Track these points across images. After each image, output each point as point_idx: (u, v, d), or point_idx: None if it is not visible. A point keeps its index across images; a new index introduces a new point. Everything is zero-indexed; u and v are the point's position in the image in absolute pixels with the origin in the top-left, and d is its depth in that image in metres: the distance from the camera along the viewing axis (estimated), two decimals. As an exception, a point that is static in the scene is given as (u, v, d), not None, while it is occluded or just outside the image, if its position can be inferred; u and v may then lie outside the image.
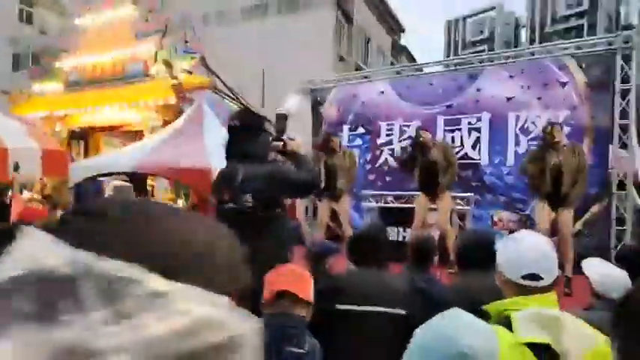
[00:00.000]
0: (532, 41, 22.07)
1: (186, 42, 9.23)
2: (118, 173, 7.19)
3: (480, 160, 6.13)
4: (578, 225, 5.54)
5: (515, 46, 20.65)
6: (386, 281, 2.26)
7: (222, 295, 0.38)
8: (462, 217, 5.25)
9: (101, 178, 7.98)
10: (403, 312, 2.21)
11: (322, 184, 5.16)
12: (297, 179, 2.23)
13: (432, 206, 4.89)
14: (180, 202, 8.10)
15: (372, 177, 6.89)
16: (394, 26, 20.08)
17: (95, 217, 0.38)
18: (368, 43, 17.48)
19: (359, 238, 2.39)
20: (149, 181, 9.12)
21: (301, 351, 1.57)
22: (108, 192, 7.16)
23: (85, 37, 10.75)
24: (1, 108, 9.97)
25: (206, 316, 0.36)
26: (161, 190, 8.44)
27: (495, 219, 4.73)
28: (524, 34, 24.05)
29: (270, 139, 2.52)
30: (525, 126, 5.84)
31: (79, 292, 0.34)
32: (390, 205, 5.81)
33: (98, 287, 0.34)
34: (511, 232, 2.99)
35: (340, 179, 5.09)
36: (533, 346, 1.07)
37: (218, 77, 9.64)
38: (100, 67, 10.53)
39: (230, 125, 2.26)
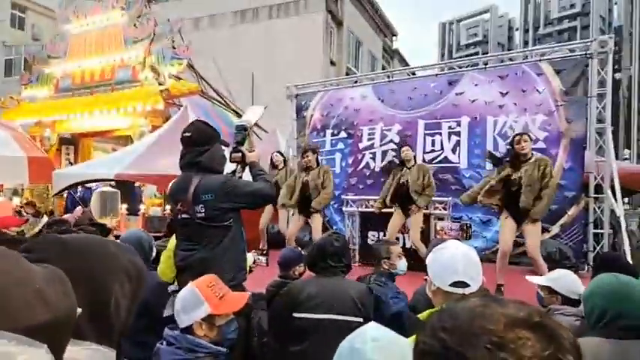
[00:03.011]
0: (525, 43, 22.25)
1: (174, 47, 9.29)
2: (104, 180, 7.24)
3: (459, 163, 6.19)
4: (555, 228, 5.62)
5: (509, 49, 20.79)
6: (342, 289, 2.31)
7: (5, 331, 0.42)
8: (440, 220, 5.31)
9: (91, 184, 8.04)
10: (360, 319, 2.27)
11: (292, 198, 5.24)
12: (249, 191, 2.28)
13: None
14: (169, 208, 8.15)
15: (353, 181, 6.95)
16: (385, 30, 20.21)
17: None
18: (359, 47, 17.59)
19: (316, 248, 2.44)
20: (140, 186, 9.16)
21: None
22: (93, 199, 7.22)
23: (75, 43, 10.82)
24: (-8, 114, 10.04)
25: None
26: (149, 196, 8.48)
27: (438, 228, 4.80)
28: (517, 37, 24.19)
29: (230, 150, 2.59)
30: (503, 130, 5.91)
31: None
32: (371, 209, 5.86)
33: None
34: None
35: (313, 197, 5.16)
36: None
37: (206, 82, 9.71)
38: (89, 72, 10.60)
39: (183, 136, 2.31)
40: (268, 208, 5.80)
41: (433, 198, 5.51)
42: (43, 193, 8.21)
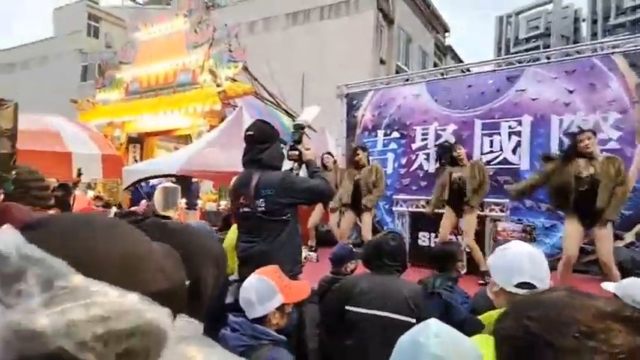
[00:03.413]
0: (594, 35, 20.56)
1: (230, 51, 9.69)
2: (165, 176, 7.73)
3: (519, 165, 5.89)
4: (630, 236, 5.17)
5: (575, 42, 19.33)
6: (395, 287, 2.31)
7: (133, 292, 0.49)
8: (495, 222, 5.09)
9: (153, 180, 8.63)
10: (412, 320, 2.25)
11: (346, 197, 5.27)
12: (306, 187, 2.36)
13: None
14: (223, 203, 8.54)
15: (406, 181, 6.85)
16: (438, 26, 19.62)
17: (35, 229, 0.51)
18: (409, 44, 17.24)
19: (372, 246, 2.47)
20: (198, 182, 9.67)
21: None
22: (156, 193, 7.74)
23: (143, 49, 11.64)
24: (70, 115, 11.08)
25: (118, 307, 0.47)
26: (205, 192, 8.93)
27: (499, 229, 4.56)
28: (584, 29, 22.33)
29: (287, 147, 2.68)
30: (570, 130, 5.54)
31: (26, 280, 0.45)
32: (422, 210, 5.76)
33: (39, 277, 0.46)
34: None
35: (364, 195, 5.15)
36: None
37: (260, 84, 10.03)
38: (154, 77, 11.35)
39: (246, 135, 2.44)
40: (318, 207, 5.89)
41: (490, 200, 5.32)
42: (113, 187, 8.93)
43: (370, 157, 6.40)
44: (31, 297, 0.45)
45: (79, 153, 8.00)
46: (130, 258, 0.53)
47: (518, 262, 1.41)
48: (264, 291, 1.64)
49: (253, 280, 1.68)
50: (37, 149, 6.79)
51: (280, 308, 1.63)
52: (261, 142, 2.40)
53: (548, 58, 6.03)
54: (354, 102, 7.65)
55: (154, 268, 0.55)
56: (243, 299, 1.65)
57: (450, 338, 0.97)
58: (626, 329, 0.51)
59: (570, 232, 3.87)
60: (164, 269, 0.57)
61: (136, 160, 11.43)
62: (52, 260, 0.47)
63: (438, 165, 5.15)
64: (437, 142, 6.59)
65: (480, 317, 1.61)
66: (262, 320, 1.62)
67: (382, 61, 15.22)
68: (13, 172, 5.75)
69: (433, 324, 1.00)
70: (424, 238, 5.58)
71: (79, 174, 6.00)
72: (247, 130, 2.45)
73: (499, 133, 6.09)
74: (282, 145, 2.53)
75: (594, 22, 20.91)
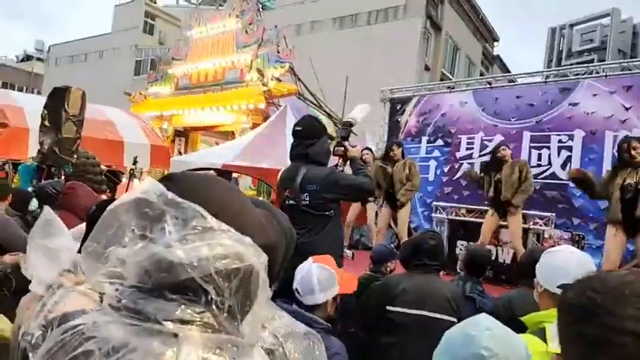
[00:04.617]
0: (655, 51, 19.37)
1: (278, 52, 9.94)
2: (209, 169, 8.02)
3: (569, 180, 5.67)
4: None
5: (632, 57, 18.27)
6: (436, 287, 2.32)
7: (247, 237, 0.58)
8: (538, 236, 4.95)
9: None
10: (454, 319, 2.26)
11: (380, 193, 5.28)
12: (350, 184, 2.42)
13: (504, 223, 4.71)
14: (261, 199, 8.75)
15: (447, 189, 6.75)
16: (487, 35, 19.16)
17: (171, 181, 0.61)
18: (456, 52, 16.95)
19: (411, 244, 2.49)
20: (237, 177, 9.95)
21: None
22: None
23: (195, 47, 12.14)
24: (124, 106, 11.73)
25: (235, 249, 0.56)
26: (245, 187, 9.17)
27: (545, 236, 4.40)
28: (644, 44, 20.99)
29: (334, 144, 2.76)
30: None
31: (166, 219, 0.55)
32: (462, 218, 5.66)
33: (177, 218, 0.55)
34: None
35: (398, 190, 5.14)
36: None
37: (304, 85, 10.22)
38: (204, 73, 11.82)
39: (294, 130, 2.53)
40: (355, 206, 5.92)
41: (535, 212, 5.16)
42: (158, 177, 9.35)
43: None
44: (170, 234, 0.54)
45: (130, 142, 8.48)
46: (240, 212, 0.62)
47: (566, 266, 1.40)
48: (326, 279, 1.62)
49: (314, 267, 1.65)
50: (93, 136, 7.27)
51: (334, 297, 1.65)
52: (308, 137, 2.46)
53: (605, 71, 5.80)
54: (397, 107, 7.64)
55: (256, 225, 0.63)
56: (302, 285, 1.62)
57: (501, 333, 1.00)
58: None
59: (612, 242, 3.81)
60: (264, 228, 0.65)
61: (180, 153, 11.92)
62: (188, 205, 0.56)
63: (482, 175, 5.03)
64: (482, 153, 6.46)
65: (522, 319, 1.61)
66: (316, 308, 1.62)
67: (427, 68, 15.06)
68: (75, 156, 6.12)
69: (484, 318, 1.04)
70: (462, 247, 5.48)
71: (135, 162, 6.35)
72: (296, 125, 2.54)
73: (548, 147, 5.90)
74: (329, 141, 2.60)
75: (657, 37, 19.68)
